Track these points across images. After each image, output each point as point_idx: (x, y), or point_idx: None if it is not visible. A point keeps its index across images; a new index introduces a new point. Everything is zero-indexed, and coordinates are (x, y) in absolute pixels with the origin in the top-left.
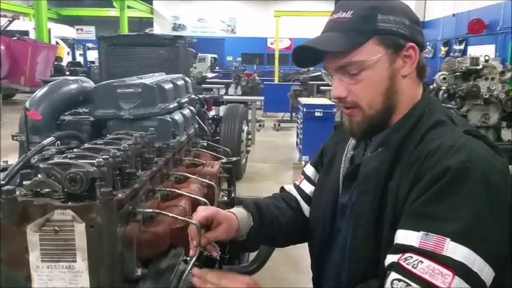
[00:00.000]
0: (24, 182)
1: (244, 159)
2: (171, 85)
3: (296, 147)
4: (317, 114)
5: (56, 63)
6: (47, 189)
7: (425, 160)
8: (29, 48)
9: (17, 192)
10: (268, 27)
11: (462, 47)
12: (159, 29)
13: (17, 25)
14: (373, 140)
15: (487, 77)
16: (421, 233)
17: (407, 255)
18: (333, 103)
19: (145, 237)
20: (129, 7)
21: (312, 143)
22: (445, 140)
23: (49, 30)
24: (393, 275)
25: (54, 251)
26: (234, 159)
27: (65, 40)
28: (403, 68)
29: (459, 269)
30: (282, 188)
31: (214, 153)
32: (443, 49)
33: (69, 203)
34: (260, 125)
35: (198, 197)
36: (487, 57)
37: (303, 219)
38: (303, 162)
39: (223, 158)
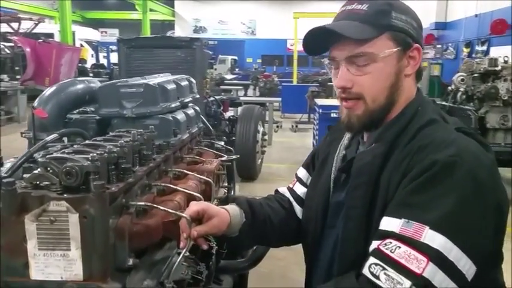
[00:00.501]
0: (24, 175)
1: (260, 160)
2: (173, 85)
3: (312, 148)
4: (333, 115)
5: (79, 65)
6: (46, 182)
7: (415, 155)
8: (53, 51)
9: (18, 185)
10: (288, 29)
11: (485, 48)
12: (180, 31)
13: (42, 28)
14: (365, 139)
15: (506, 78)
16: (403, 220)
17: (387, 240)
18: None
19: (138, 229)
20: (151, 10)
21: None
22: (436, 136)
23: (73, 33)
24: (371, 260)
25: (50, 240)
26: (234, 157)
27: (89, 42)
28: (407, 67)
29: (434, 256)
30: (276, 191)
31: (216, 152)
32: (466, 50)
33: (65, 195)
34: (278, 126)
35: (193, 193)
36: (506, 58)
37: (295, 220)
38: None
39: (224, 156)
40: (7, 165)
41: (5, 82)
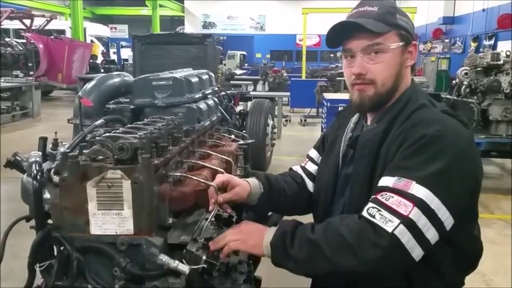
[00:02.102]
0: (84, 151)
1: (269, 152)
2: (196, 79)
3: None
4: (340, 108)
5: (91, 61)
6: (101, 157)
7: (409, 130)
8: (65, 47)
9: (80, 158)
10: (297, 24)
11: (492, 42)
12: (190, 27)
13: (54, 24)
14: (369, 122)
15: (508, 72)
16: (396, 177)
17: (383, 193)
18: None
19: (175, 194)
20: (161, 6)
21: None
22: (426, 116)
23: (84, 29)
24: (369, 205)
25: (107, 201)
26: (249, 141)
27: (99, 38)
28: (407, 60)
29: (419, 203)
30: (290, 168)
31: (233, 137)
32: (473, 44)
33: (119, 166)
34: (286, 120)
35: (217, 168)
36: (508, 53)
37: (306, 192)
38: None
39: (240, 141)
40: (61, 146)
41: (19, 78)
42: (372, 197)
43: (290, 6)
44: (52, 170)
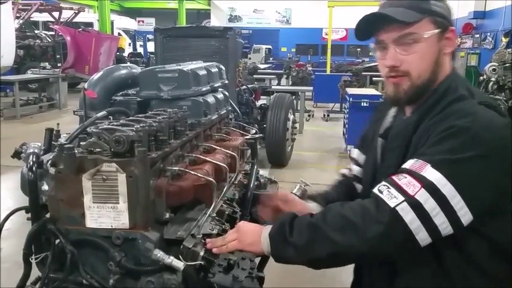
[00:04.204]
0: (81, 143)
1: (290, 147)
2: (204, 71)
3: (342, 137)
4: (363, 104)
5: (117, 53)
6: (98, 149)
7: (440, 122)
8: (92, 39)
9: (76, 150)
10: (323, 17)
11: None
12: (216, 20)
13: (82, 17)
14: (408, 113)
15: None
16: (414, 159)
17: (399, 174)
18: (380, 94)
19: (173, 189)
20: None
21: (358, 133)
22: (460, 108)
23: (112, 22)
24: (382, 183)
25: (102, 194)
26: (257, 136)
27: (126, 31)
28: (445, 46)
29: (427, 185)
30: (341, 174)
31: (242, 131)
32: (504, 40)
33: (114, 159)
34: (309, 115)
35: (219, 163)
36: None
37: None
38: (348, 152)
39: (248, 135)
40: (63, 137)
41: (47, 70)
42: (388, 177)
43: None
44: (49, 162)
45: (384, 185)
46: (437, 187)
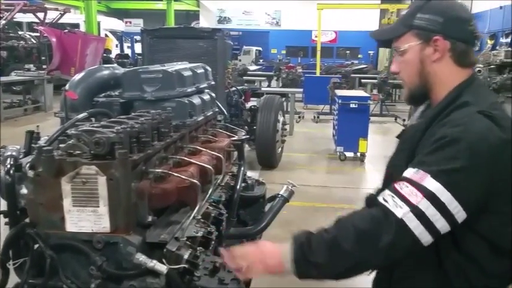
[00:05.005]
0: (60, 145)
1: (280, 149)
2: (190, 72)
3: (332, 138)
4: (352, 105)
5: (104, 55)
6: (78, 151)
7: (438, 129)
8: (79, 41)
9: (55, 153)
10: (313, 19)
11: (509, 40)
12: (205, 21)
13: (68, 18)
14: None
15: None
16: (415, 169)
17: (401, 182)
18: (368, 95)
19: (156, 191)
20: (175, 0)
21: (347, 134)
22: (456, 117)
23: (98, 23)
24: (386, 192)
25: (82, 198)
26: (244, 137)
27: (113, 33)
28: (432, 55)
29: (428, 195)
30: None
31: (229, 133)
32: (490, 42)
33: (94, 161)
34: (299, 117)
35: (204, 165)
36: None
37: None
38: (338, 153)
39: (235, 136)
40: (43, 139)
41: (31, 72)
42: (391, 185)
43: (306, 2)
44: (27, 165)
45: (389, 195)
46: (437, 196)
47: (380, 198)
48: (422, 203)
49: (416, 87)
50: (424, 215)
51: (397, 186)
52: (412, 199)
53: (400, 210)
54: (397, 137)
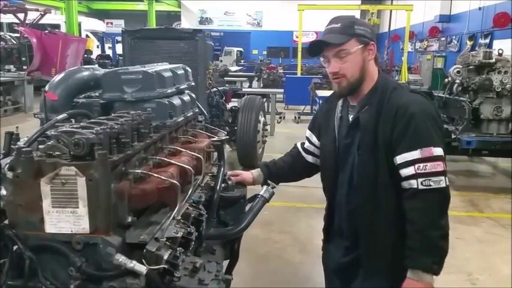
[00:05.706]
0: (39, 146)
1: (261, 149)
2: (170, 73)
3: None
4: None
5: (85, 55)
6: (57, 152)
7: (397, 111)
8: (59, 41)
9: (34, 154)
10: (294, 20)
11: (488, 41)
12: (186, 22)
13: (49, 18)
14: (355, 103)
15: (500, 70)
16: (418, 150)
17: (417, 165)
18: None
19: (135, 192)
20: (157, 1)
21: None
22: (404, 99)
23: (79, 24)
24: (419, 179)
25: (61, 199)
26: (223, 138)
27: (94, 33)
28: (368, 55)
29: (441, 158)
30: (294, 145)
31: (209, 134)
32: (469, 43)
33: (74, 162)
34: (280, 117)
35: (184, 165)
36: (500, 51)
37: (302, 161)
38: None
39: (215, 137)
40: (23, 140)
41: (12, 72)
42: (410, 173)
43: (287, 3)
44: (7, 166)
45: (424, 180)
46: (444, 156)
47: (420, 187)
48: (442, 164)
49: (356, 80)
50: (446, 173)
51: (419, 171)
52: (439, 168)
53: (443, 182)
54: (352, 125)
